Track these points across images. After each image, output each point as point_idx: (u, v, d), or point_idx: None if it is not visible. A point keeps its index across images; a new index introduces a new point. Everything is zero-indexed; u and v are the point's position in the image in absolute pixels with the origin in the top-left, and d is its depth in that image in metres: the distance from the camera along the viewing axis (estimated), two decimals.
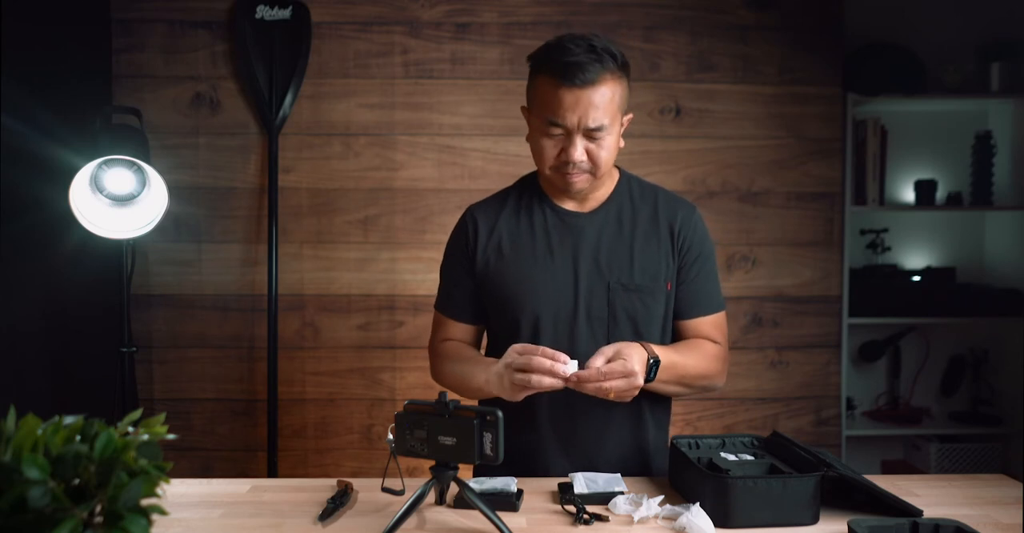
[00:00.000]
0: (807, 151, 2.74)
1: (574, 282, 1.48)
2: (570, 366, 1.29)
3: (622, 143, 1.47)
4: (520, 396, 1.34)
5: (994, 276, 3.05)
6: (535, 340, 1.47)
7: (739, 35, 2.71)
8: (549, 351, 1.29)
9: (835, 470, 1.24)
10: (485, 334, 1.62)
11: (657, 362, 1.36)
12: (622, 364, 1.29)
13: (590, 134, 1.39)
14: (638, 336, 1.48)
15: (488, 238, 1.53)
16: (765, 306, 2.75)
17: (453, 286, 1.57)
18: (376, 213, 2.67)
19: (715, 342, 1.54)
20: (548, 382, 1.28)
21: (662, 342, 1.53)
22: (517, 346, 1.34)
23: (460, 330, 1.59)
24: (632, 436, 1.53)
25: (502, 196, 1.59)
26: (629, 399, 1.35)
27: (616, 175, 1.56)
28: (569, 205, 1.52)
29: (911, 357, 3.08)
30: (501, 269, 1.51)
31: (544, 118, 1.40)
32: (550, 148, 1.42)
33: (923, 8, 2.97)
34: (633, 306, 1.48)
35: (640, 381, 1.31)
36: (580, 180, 1.44)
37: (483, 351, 1.62)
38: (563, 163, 1.42)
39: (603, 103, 1.38)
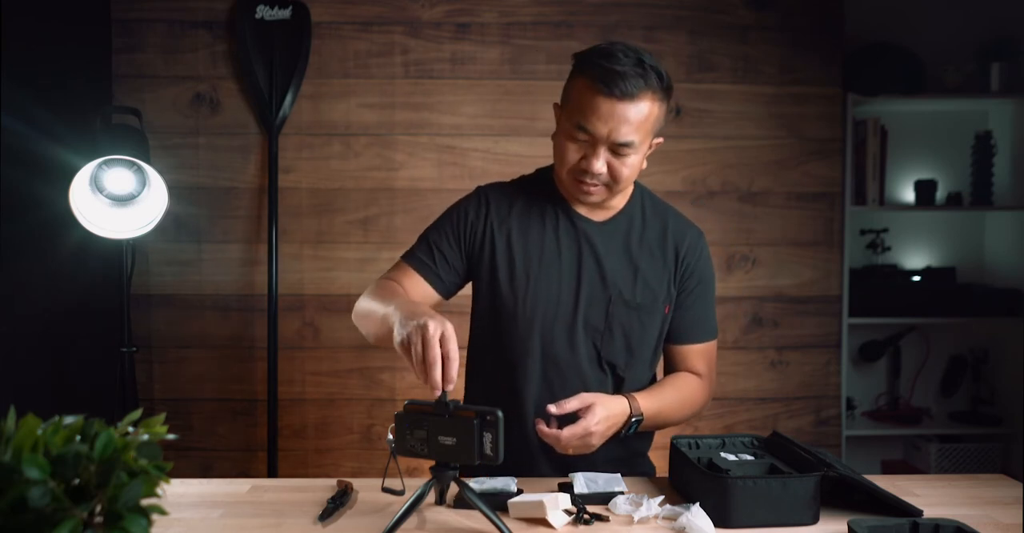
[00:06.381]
0: (807, 151, 2.73)
1: (575, 289, 1.47)
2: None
3: (645, 164, 1.43)
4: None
5: (994, 276, 3.05)
6: (527, 338, 1.46)
7: (739, 35, 2.71)
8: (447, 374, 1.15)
9: (835, 470, 1.24)
10: (469, 322, 1.56)
11: (639, 420, 1.39)
12: (583, 427, 1.30)
13: (616, 148, 1.35)
14: (630, 352, 1.48)
15: (499, 226, 1.50)
16: (765, 306, 2.75)
17: (437, 250, 1.51)
18: (376, 213, 2.67)
19: (698, 374, 1.55)
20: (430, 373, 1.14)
21: (652, 361, 1.54)
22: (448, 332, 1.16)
23: (419, 288, 1.48)
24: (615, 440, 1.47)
25: (516, 186, 1.55)
26: (587, 452, 1.35)
27: (631, 187, 1.53)
28: (582, 210, 1.50)
29: (911, 357, 3.08)
30: (507, 261, 1.48)
31: (574, 121, 1.36)
32: (572, 152, 1.38)
33: (923, 8, 2.97)
34: (630, 323, 1.47)
35: (596, 443, 1.33)
36: (595, 192, 1.41)
37: (466, 342, 1.53)
38: (581, 171, 1.38)
39: (637, 120, 1.33)
